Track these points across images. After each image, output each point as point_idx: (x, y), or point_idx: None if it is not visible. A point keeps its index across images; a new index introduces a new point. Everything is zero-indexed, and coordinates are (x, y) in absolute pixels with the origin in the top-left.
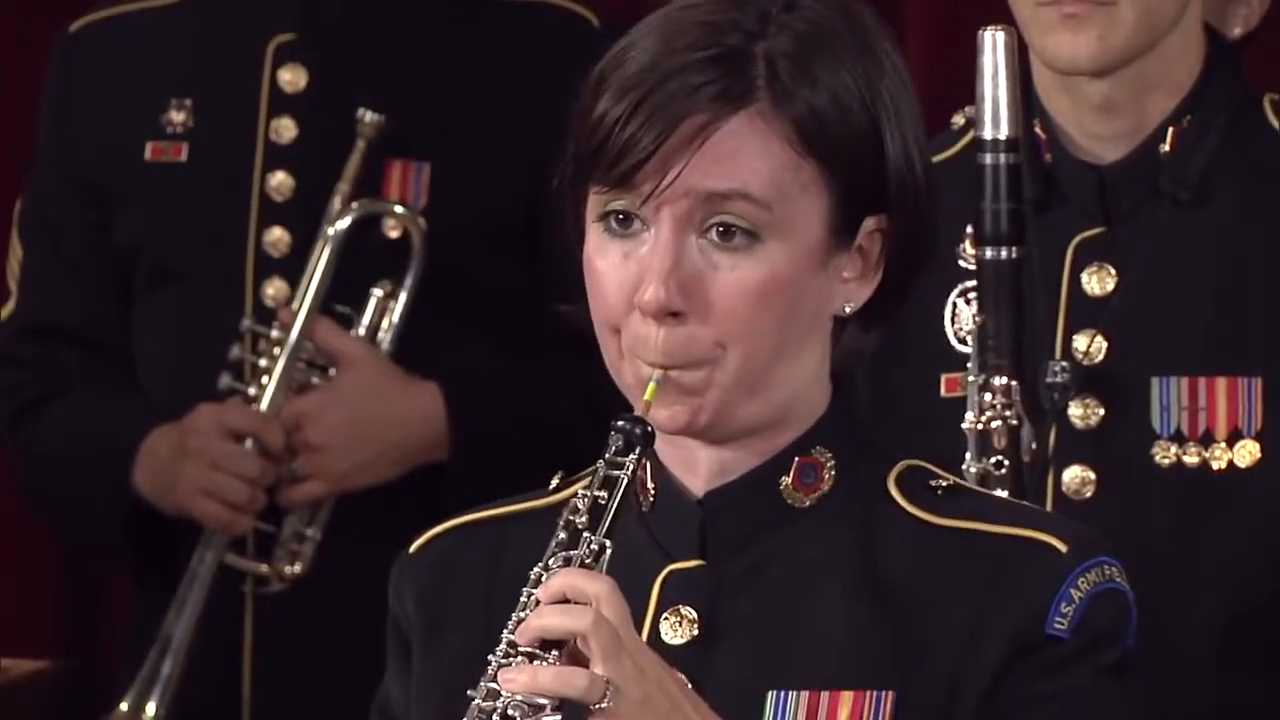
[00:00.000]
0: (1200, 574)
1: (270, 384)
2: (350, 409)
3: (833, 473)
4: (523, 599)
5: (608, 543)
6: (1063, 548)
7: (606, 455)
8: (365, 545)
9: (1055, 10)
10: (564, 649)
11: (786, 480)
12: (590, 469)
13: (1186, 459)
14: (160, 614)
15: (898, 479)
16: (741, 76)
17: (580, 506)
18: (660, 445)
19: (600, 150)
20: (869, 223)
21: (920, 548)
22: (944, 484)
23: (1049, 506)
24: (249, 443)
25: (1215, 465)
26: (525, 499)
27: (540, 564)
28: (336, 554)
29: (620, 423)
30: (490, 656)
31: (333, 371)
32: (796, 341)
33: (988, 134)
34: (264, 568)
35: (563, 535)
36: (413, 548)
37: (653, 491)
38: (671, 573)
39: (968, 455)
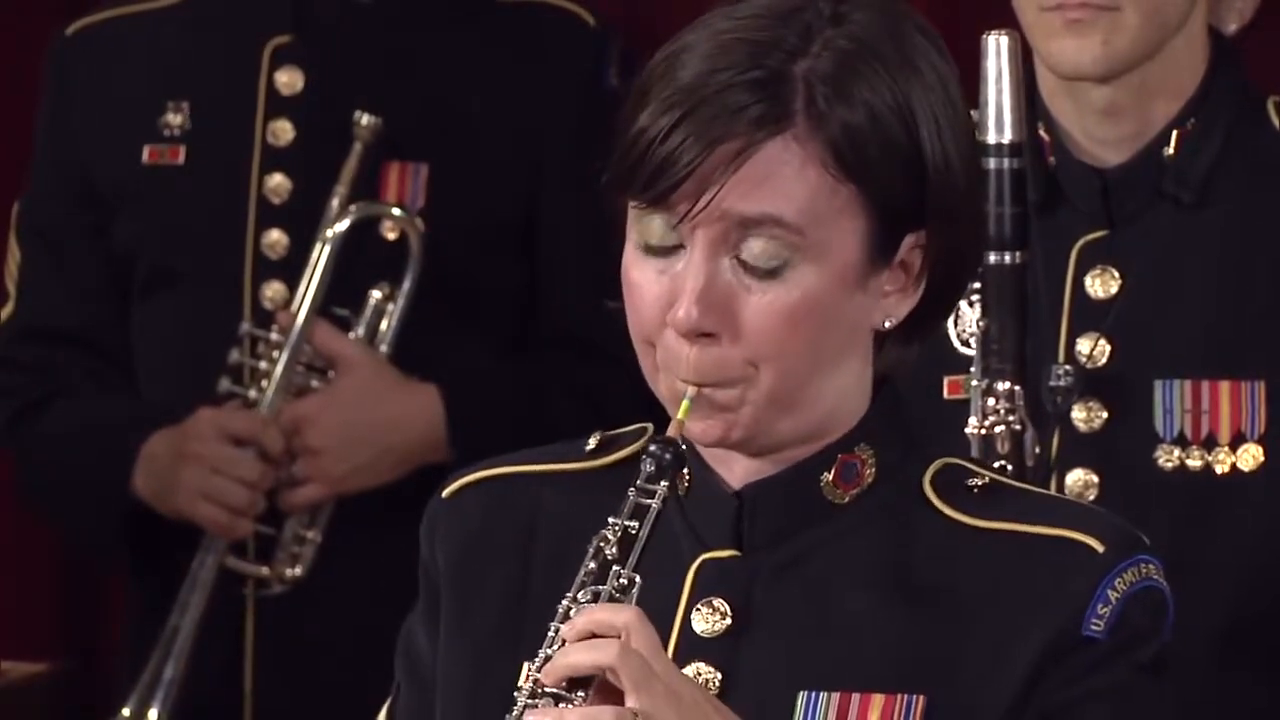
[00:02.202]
0: (1203, 577)
1: (269, 387)
2: (349, 412)
3: (873, 470)
4: (550, 634)
5: (637, 577)
6: (1100, 547)
7: (638, 481)
8: (366, 548)
9: (1060, 15)
10: (594, 684)
11: (828, 476)
12: (631, 429)
13: (1189, 462)
14: (160, 617)
15: (933, 479)
16: (779, 100)
17: (610, 536)
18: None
19: (638, 166)
20: (910, 239)
21: (956, 551)
22: (980, 482)
23: None
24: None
25: (1218, 469)
26: (561, 455)
27: (569, 596)
28: (337, 556)
29: (652, 447)
30: (516, 694)
31: (332, 374)
32: (832, 358)
33: (991, 138)
34: (265, 570)
35: (592, 565)
36: (446, 492)
37: (688, 477)
38: (705, 562)
39: None
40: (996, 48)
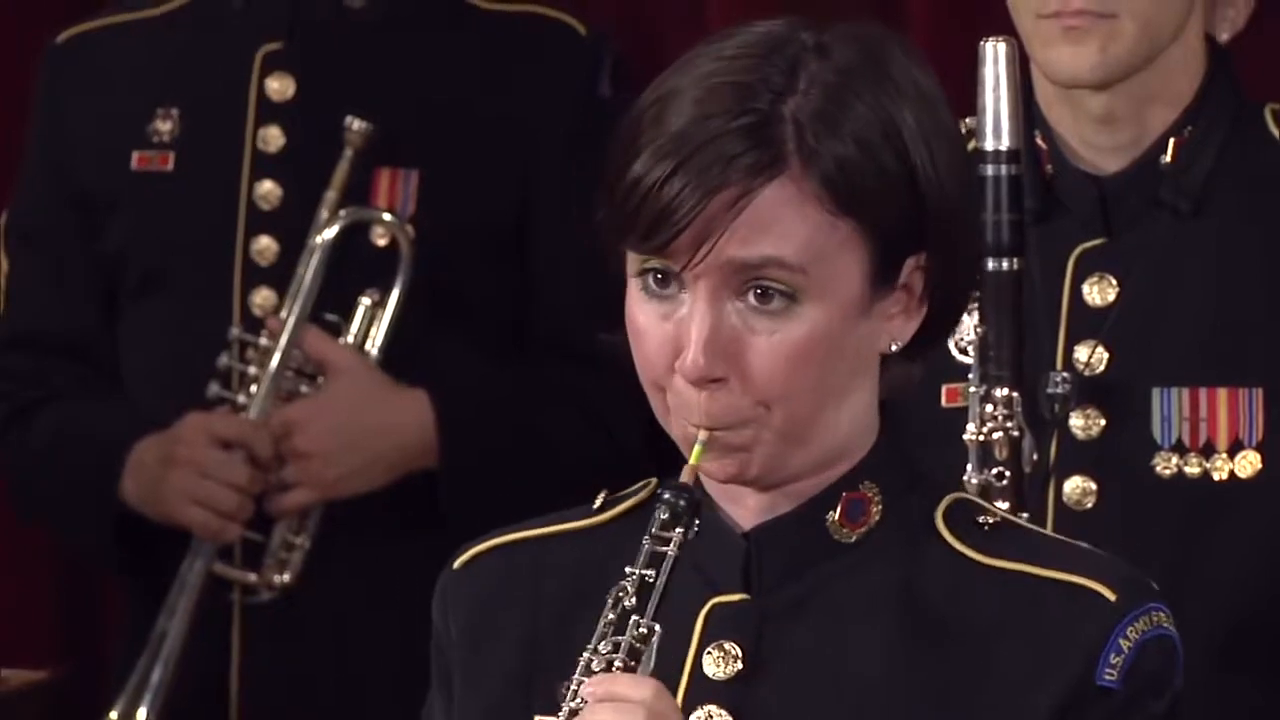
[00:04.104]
0: (1201, 584)
1: (259, 392)
2: (339, 417)
3: (880, 507)
4: (572, 686)
5: (656, 627)
6: (1111, 596)
7: (653, 529)
8: (355, 554)
9: (1057, 23)
10: None
11: (834, 515)
12: (635, 486)
13: (1187, 470)
14: (150, 622)
15: (945, 514)
16: (771, 144)
17: (629, 586)
18: (708, 478)
19: (635, 216)
20: (910, 261)
21: (967, 587)
22: (991, 520)
23: (1050, 517)
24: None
25: (1216, 476)
26: (569, 517)
27: (589, 648)
28: (325, 562)
29: (666, 494)
30: None
31: (321, 380)
32: (842, 387)
33: (989, 145)
34: (253, 577)
35: (611, 616)
36: (457, 564)
37: (697, 522)
38: (715, 606)
39: (969, 467)
40: (994, 54)
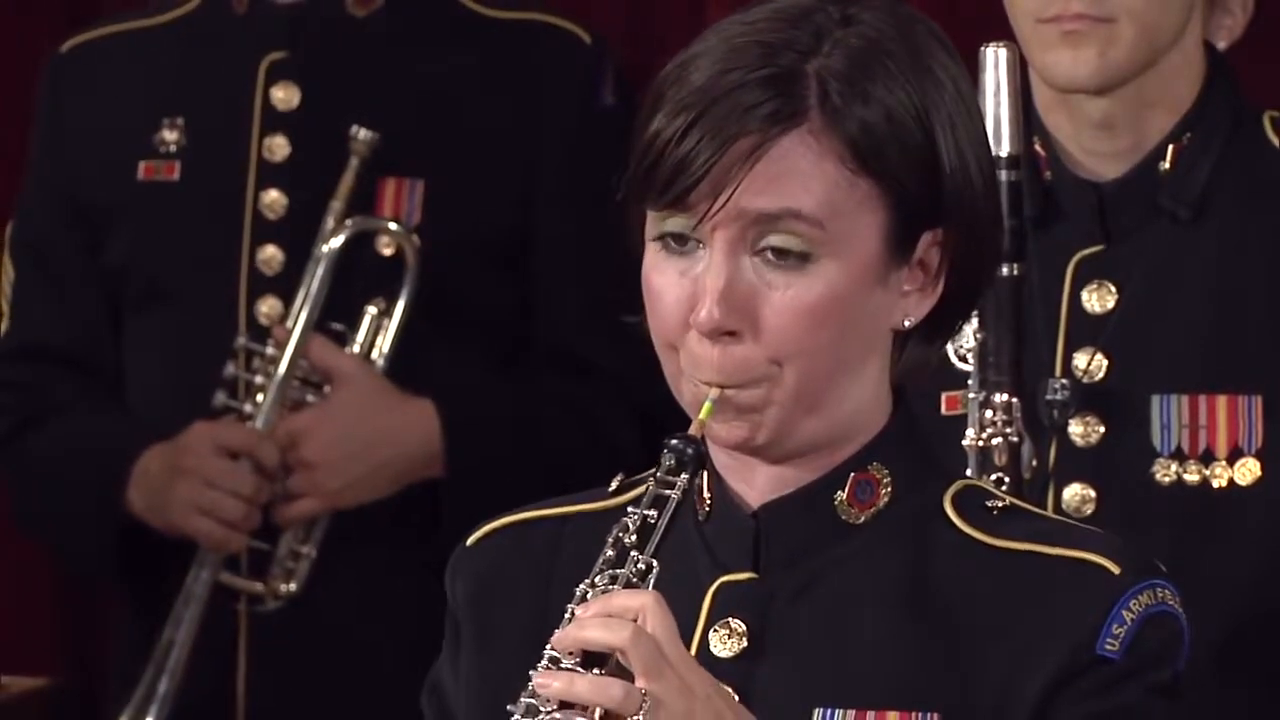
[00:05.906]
0: (1200, 591)
1: (265, 402)
2: (345, 426)
3: (889, 489)
4: (566, 616)
5: (654, 562)
6: (1115, 569)
7: (658, 474)
8: (361, 563)
9: (1055, 27)
10: (609, 664)
11: (841, 496)
12: (650, 471)
13: (1187, 477)
14: (153, 633)
15: (954, 498)
16: (793, 96)
17: (630, 525)
18: (718, 454)
19: (653, 170)
20: (927, 236)
21: (973, 569)
22: (1000, 504)
23: None
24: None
25: (1216, 483)
26: (584, 498)
27: (587, 580)
28: (332, 571)
29: (673, 441)
30: (532, 672)
31: (327, 389)
32: (855, 357)
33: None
34: (259, 586)
35: (610, 553)
36: (470, 540)
37: (709, 501)
38: (723, 584)
39: (968, 472)
40: (995, 60)
